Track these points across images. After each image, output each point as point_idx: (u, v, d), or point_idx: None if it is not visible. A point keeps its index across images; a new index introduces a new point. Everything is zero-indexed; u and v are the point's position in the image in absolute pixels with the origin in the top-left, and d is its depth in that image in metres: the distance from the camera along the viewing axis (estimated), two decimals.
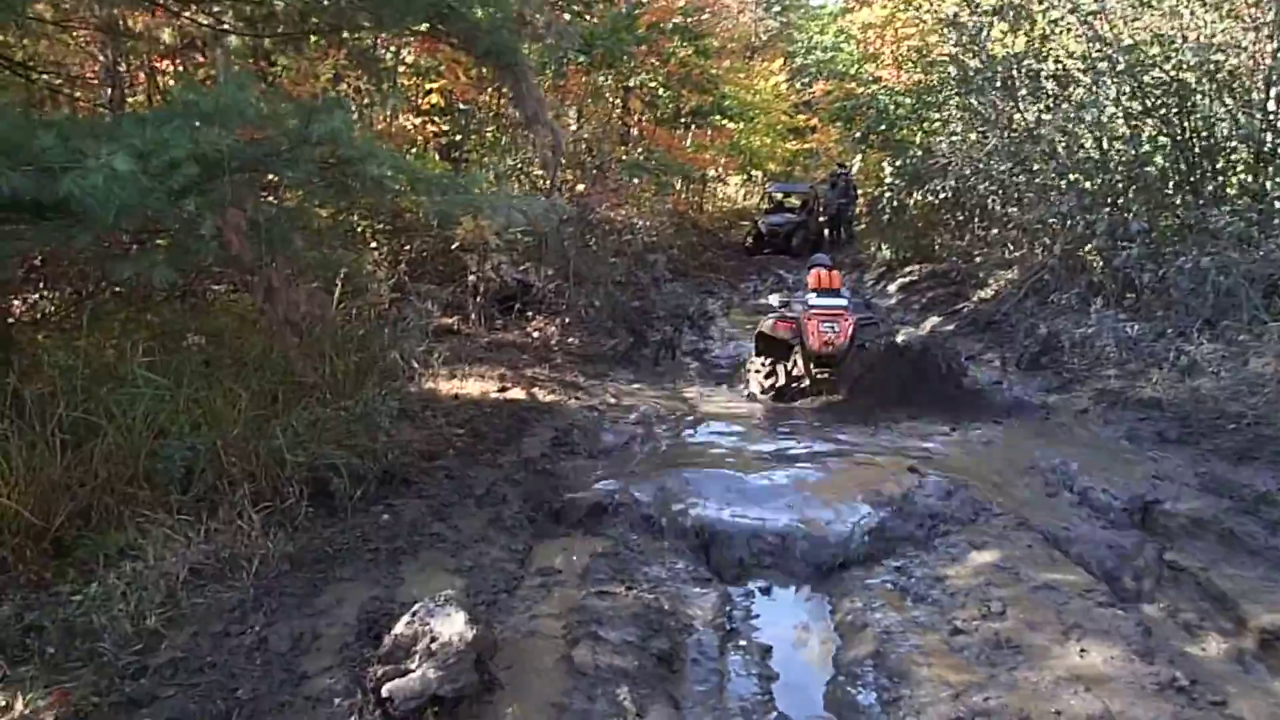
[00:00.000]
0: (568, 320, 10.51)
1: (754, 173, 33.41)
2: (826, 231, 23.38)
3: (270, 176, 5.47)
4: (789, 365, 9.30)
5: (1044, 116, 10.84)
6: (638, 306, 11.56)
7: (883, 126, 16.18)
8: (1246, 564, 4.90)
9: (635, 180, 13.43)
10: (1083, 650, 3.93)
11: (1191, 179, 10.18)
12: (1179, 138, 9.94)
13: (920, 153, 15.39)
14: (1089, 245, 10.69)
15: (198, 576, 4.22)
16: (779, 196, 24.29)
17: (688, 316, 12.31)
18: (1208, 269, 8.91)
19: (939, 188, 14.49)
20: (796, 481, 6.21)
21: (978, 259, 13.91)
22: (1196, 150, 9.98)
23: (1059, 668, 3.82)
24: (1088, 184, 10.63)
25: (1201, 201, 9.99)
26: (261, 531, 4.54)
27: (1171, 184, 10.32)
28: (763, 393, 9.13)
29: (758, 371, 9.33)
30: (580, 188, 11.26)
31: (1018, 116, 11.42)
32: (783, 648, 4.50)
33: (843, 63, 27.68)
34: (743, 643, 4.46)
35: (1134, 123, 10.36)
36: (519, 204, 5.21)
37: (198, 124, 4.47)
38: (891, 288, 16.55)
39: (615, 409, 8.27)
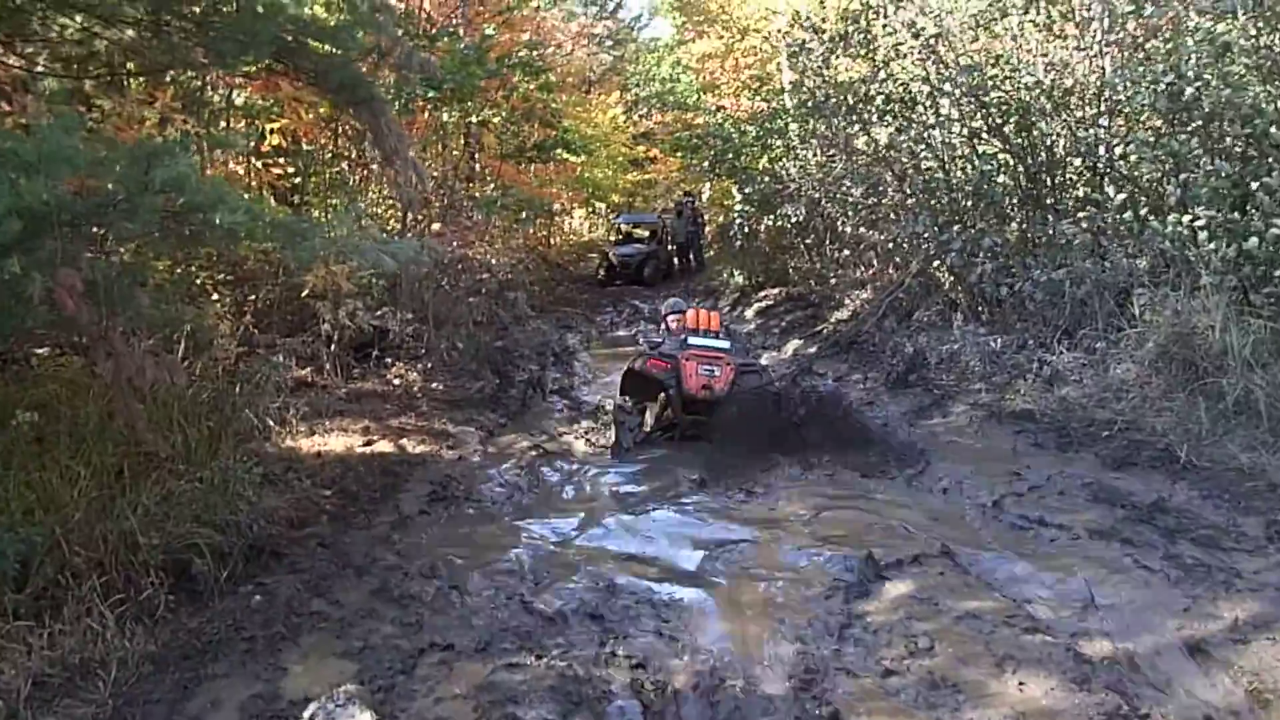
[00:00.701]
0: (430, 365, 10.06)
1: (597, 205, 33.55)
2: (676, 260, 23.57)
3: (101, 230, 4.92)
4: (658, 410, 8.23)
5: (895, 139, 11.05)
6: (500, 346, 11.20)
7: (729, 154, 16.30)
8: (1153, 576, 4.89)
9: (492, 217, 13.07)
10: (1021, 683, 3.81)
11: (1034, 194, 10.53)
12: (1021, 154, 10.27)
13: (767, 179, 15.57)
14: (943, 263, 10.91)
15: (43, 690, 3.67)
16: (627, 228, 24.33)
17: (554, 354, 12.02)
18: (1062, 280, 9.18)
19: (790, 213, 14.65)
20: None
21: (833, 281, 14.11)
22: (1037, 166, 10.33)
23: (1002, 705, 3.68)
24: (935, 203, 10.87)
25: (1046, 216, 10.34)
26: (117, 629, 4.01)
27: (1015, 200, 10.64)
28: (625, 447, 8.06)
29: (622, 423, 8.27)
30: (435, 226, 10.85)
31: (862, 141, 11.63)
32: None
33: (681, 93, 28.03)
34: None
35: (977, 141, 10.66)
36: (387, 248, 4.83)
37: (17, 175, 3.96)
38: (749, 313, 16.66)
39: (490, 457, 7.90)
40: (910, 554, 5.19)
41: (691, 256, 23.24)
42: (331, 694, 3.15)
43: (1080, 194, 9.87)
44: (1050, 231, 10.07)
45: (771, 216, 15.89)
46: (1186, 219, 7.73)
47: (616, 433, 8.28)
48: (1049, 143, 10.30)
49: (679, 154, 28.99)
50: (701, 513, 6.45)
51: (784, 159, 15.35)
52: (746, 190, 15.72)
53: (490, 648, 4.23)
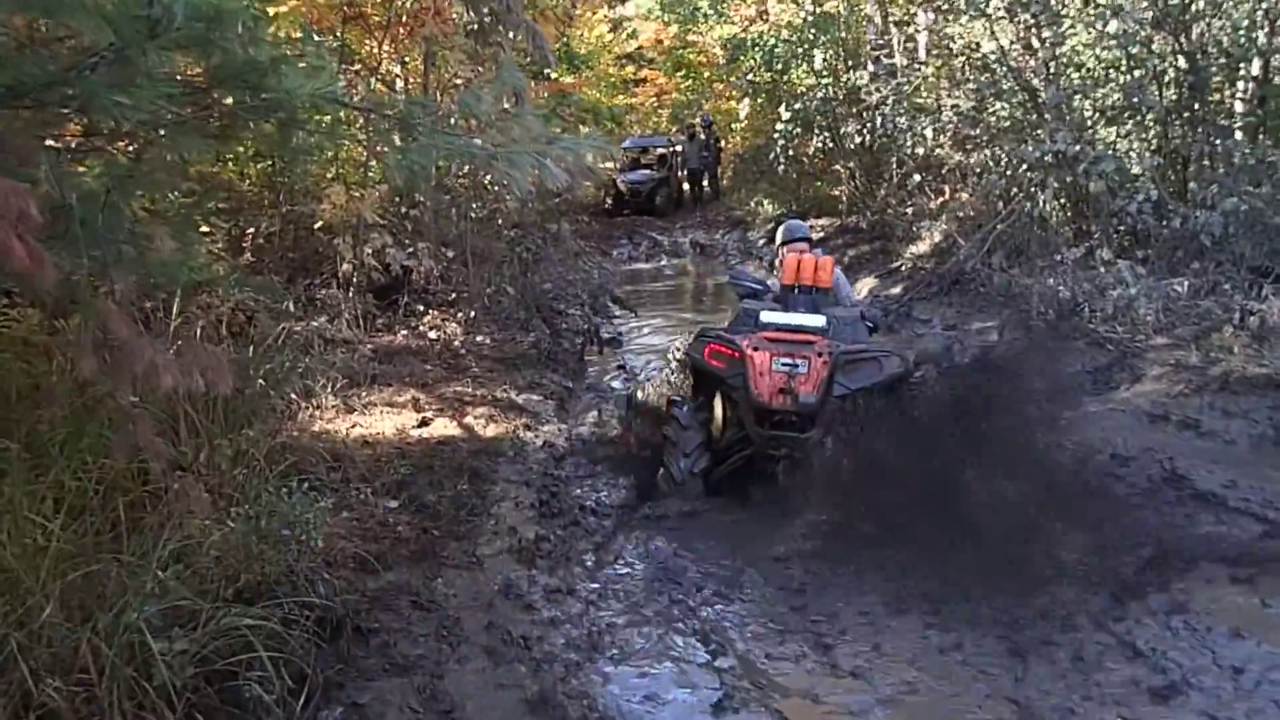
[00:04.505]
0: (471, 313, 8.15)
1: (583, 129, 31.26)
2: (688, 187, 21.66)
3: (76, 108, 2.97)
4: (722, 418, 5.46)
5: (1034, 37, 9.10)
6: (548, 289, 9.28)
7: (779, 66, 14.32)
8: None
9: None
10: None
11: (1192, 106, 8.70)
12: (1189, 56, 8.40)
13: (820, 95, 13.64)
14: (1074, 189, 9.12)
15: None
16: (635, 153, 22.26)
17: (614, 299, 10.12)
18: (1262, 210, 7.46)
19: (853, 131, 12.77)
20: None
21: (909, 211, 12.24)
22: (1205, 71, 8.47)
23: None
24: (1073, 117, 9.01)
25: (1208, 132, 8.56)
26: None
27: (1165, 113, 8.82)
28: (678, 480, 5.26)
29: (675, 441, 5.36)
30: (478, 142, 8.84)
31: (982, 36, 9.66)
32: None
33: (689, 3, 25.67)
34: None
35: (1131, 44, 8.72)
36: (551, 148, 2.96)
37: None
38: None
39: (584, 443, 6.08)
40: None
41: (706, 183, 21.26)
42: None
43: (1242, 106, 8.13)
44: (1220, 149, 8.34)
45: (824, 136, 14.00)
46: None
47: (665, 454, 5.40)
48: (1219, 43, 8.48)
49: (680, 73, 27.09)
50: None
51: (840, 70, 13.44)
52: (795, 107, 13.76)
53: None
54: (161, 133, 2.79)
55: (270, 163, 7.84)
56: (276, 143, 3.31)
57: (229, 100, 2.77)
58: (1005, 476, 4.58)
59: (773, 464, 5.08)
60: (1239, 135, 8.45)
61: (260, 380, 4.93)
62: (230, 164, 7.90)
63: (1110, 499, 4.76)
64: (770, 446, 5.05)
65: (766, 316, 5.36)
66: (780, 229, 6.91)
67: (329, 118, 4.12)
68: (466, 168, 8.79)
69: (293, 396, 5.58)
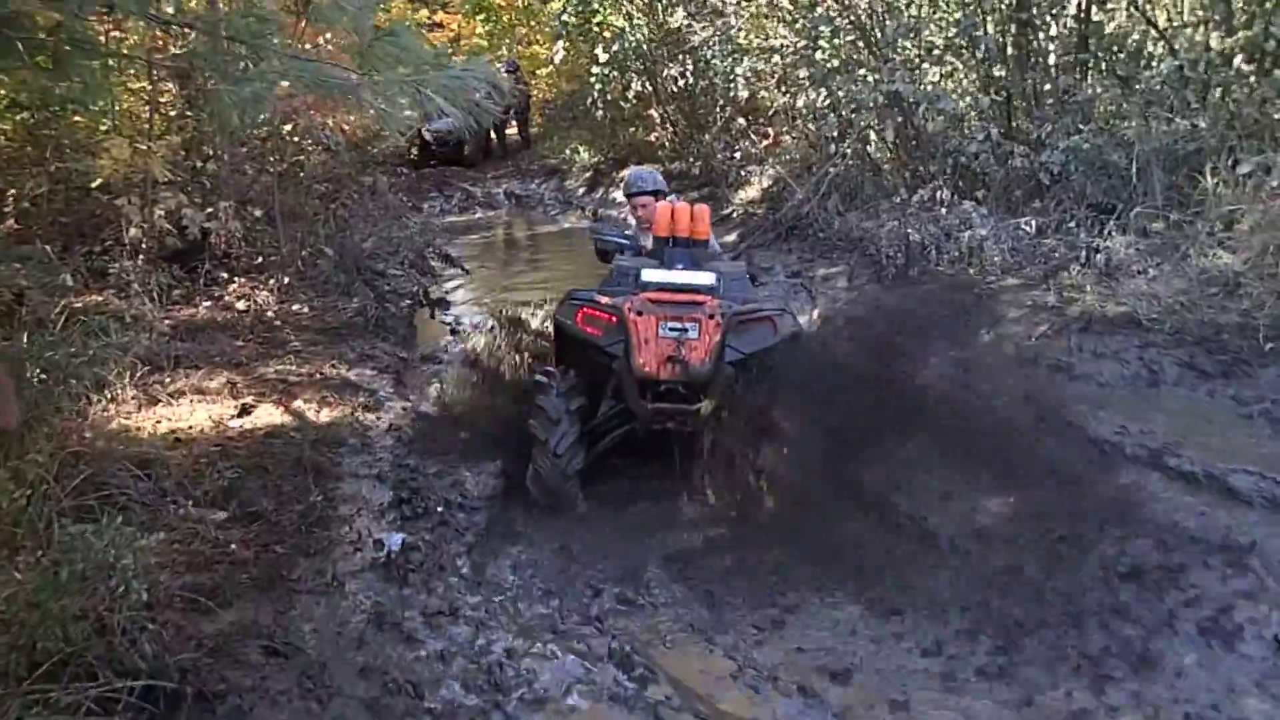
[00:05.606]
0: (285, 279, 7.24)
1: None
2: (495, 136, 20.76)
3: None
4: (603, 402, 4.79)
5: None
6: (367, 249, 8.40)
7: (591, 7, 13.65)
8: None
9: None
10: None
11: (1021, 43, 8.68)
12: None
13: (638, 36, 13.14)
14: (906, 130, 9.00)
15: None
16: None
17: (445, 256, 9.33)
18: (1100, 149, 7.51)
19: (676, 74, 12.36)
20: None
21: (737, 155, 11.94)
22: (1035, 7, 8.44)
23: None
24: (904, 55, 8.88)
25: (1035, 70, 8.59)
26: None
27: (995, 48, 8.78)
28: (548, 479, 4.48)
29: (543, 435, 4.51)
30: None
31: None
32: None
33: None
34: None
35: None
36: (447, 76, 2.30)
37: None
38: (617, 195, 14.30)
39: (433, 421, 5.41)
40: None
41: (515, 131, 20.43)
42: None
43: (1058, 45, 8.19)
44: (1045, 88, 8.39)
45: (641, 80, 13.49)
46: None
47: (534, 452, 4.58)
48: None
49: (480, 16, 25.94)
50: None
51: (655, 11, 12.97)
52: (613, 49, 13.20)
53: None
54: None
55: (29, 113, 6.71)
56: (46, 83, 2.50)
57: None
58: (909, 437, 4.25)
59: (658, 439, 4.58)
60: (1054, 72, 8.47)
61: (40, 374, 4.06)
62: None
63: (1018, 456, 4.50)
64: (655, 420, 4.46)
65: (649, 275, 4.68)
66: (627, 178, 6.52)
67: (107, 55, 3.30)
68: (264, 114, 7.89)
69: (82, 390, 4.68)
